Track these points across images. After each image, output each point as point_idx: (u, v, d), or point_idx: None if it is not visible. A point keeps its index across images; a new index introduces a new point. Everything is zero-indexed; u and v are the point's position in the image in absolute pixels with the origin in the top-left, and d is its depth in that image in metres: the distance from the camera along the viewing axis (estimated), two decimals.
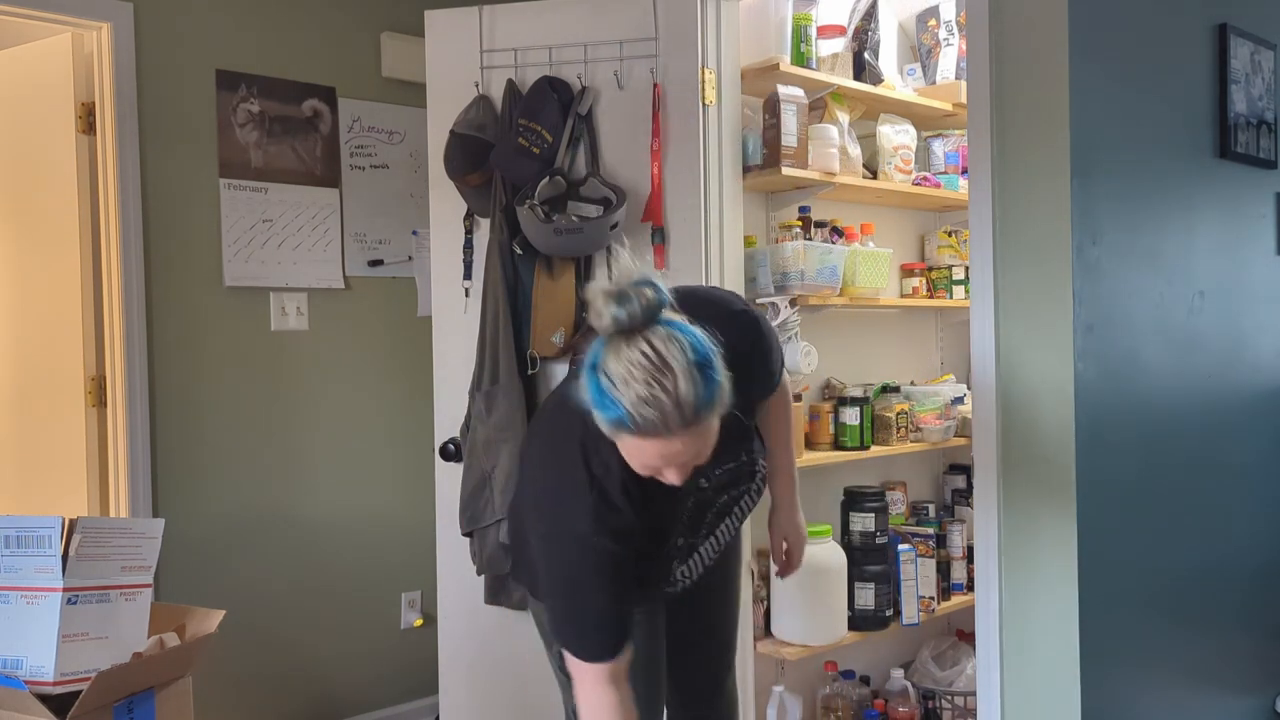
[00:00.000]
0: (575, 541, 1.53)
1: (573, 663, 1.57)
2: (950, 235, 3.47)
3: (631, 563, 1.55)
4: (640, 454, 1.39)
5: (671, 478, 1.45)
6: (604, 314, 1.32)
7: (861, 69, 3.13)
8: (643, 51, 2.54)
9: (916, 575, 3.02)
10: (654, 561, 1.67)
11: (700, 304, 1.54)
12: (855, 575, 2.93)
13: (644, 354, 1.31)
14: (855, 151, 3.05)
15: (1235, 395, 2.67)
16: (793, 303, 2.79)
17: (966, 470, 3.41)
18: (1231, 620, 2.69)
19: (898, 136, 3.19)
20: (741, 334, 1.63)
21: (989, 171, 2.20)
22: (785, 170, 2.76)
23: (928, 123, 3.42)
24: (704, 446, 1.40)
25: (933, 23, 3.40)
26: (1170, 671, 2.46)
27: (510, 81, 2.59)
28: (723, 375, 1.37)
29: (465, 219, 2.64)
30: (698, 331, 1.37)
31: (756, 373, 1.70)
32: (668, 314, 1.37)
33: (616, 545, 1.52)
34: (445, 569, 2.69)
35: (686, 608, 1.95)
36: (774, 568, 2.12)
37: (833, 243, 2.97)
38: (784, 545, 2.08)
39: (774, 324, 2.77)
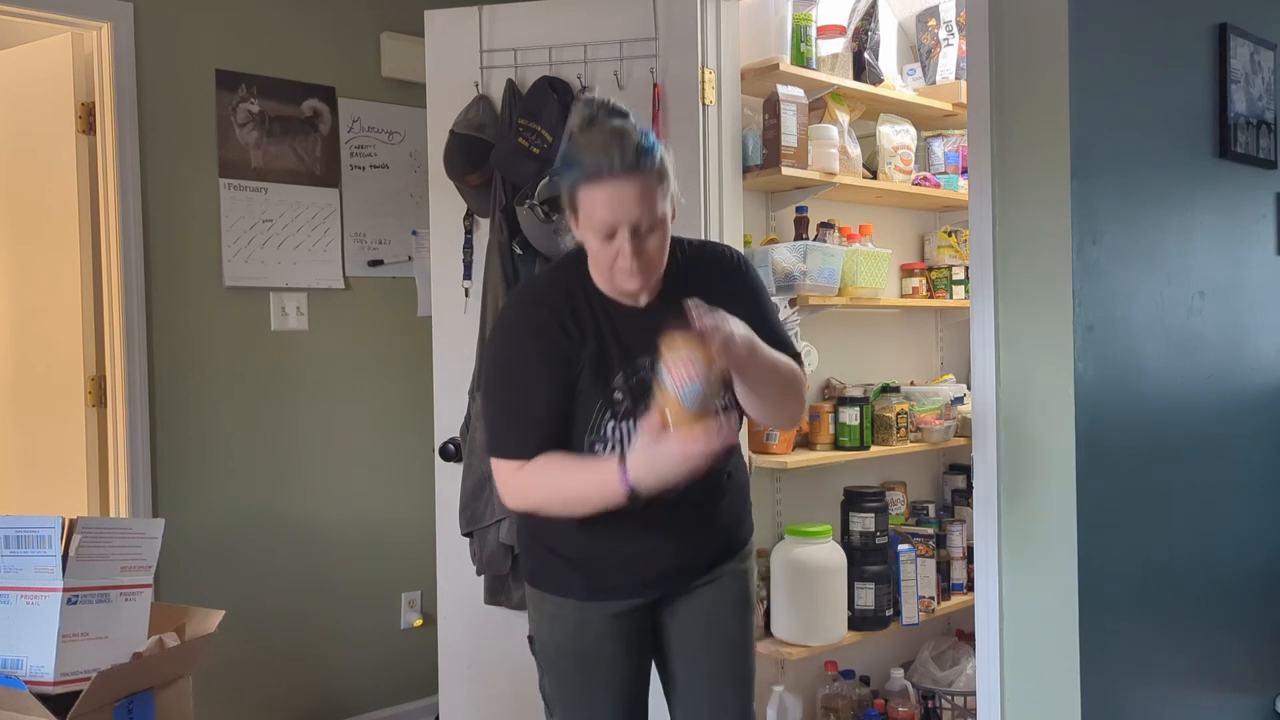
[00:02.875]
0: (517, 316, 1.72)
1: (504, 474, 1.68)
2: (950, 235, 3.47)
3: (565, 353, 1.65)
4: (595, 208, 1.57)
5: (625, 265, 1.58)
6: (577, 115, 1.63)
7: (861, 69, 3.13)
8: (643, 51, 2.54)
9: (916, 575, 3.02)
10: (590, 384, 1.67)
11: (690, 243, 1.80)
12: (855, 575, 2.93)
13: (603, 129, 1.60)
14: (855, 151, 3.05)
15: (1235, 395, 2.67)
16: (792, 303, 2.79)
17: (966, 470, 3.41)
18: (1232, 620, 2.70)
19: (898, 136, 3.19)
20: (725, 262, 1.79)
21: (989, 171, 2.20)
22: (785, 170, 2.76)
23: (928, 123, 3.42)
24: (650, 212, 1.58)
25: (933, 23, 3.40)
26: (1170, 671, 2.46)
27: (510, 81, 2.59)
28: (668, 162, 1.63)
29: (465, 219, 2.64)
30: (652, 134, 1.63)
31: (746, 306, 1.70)
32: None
33: (535, 317, 1.68)
34: (445, 569, 2.69)
35: (695, 656, 1.86)
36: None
37: (824, 240, 2.97)
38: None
39: None
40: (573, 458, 1.66)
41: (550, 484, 1.66)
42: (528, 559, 1.89)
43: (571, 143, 1.62)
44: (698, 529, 1.79)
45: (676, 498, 1.60)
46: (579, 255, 1.71)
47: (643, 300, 1.69)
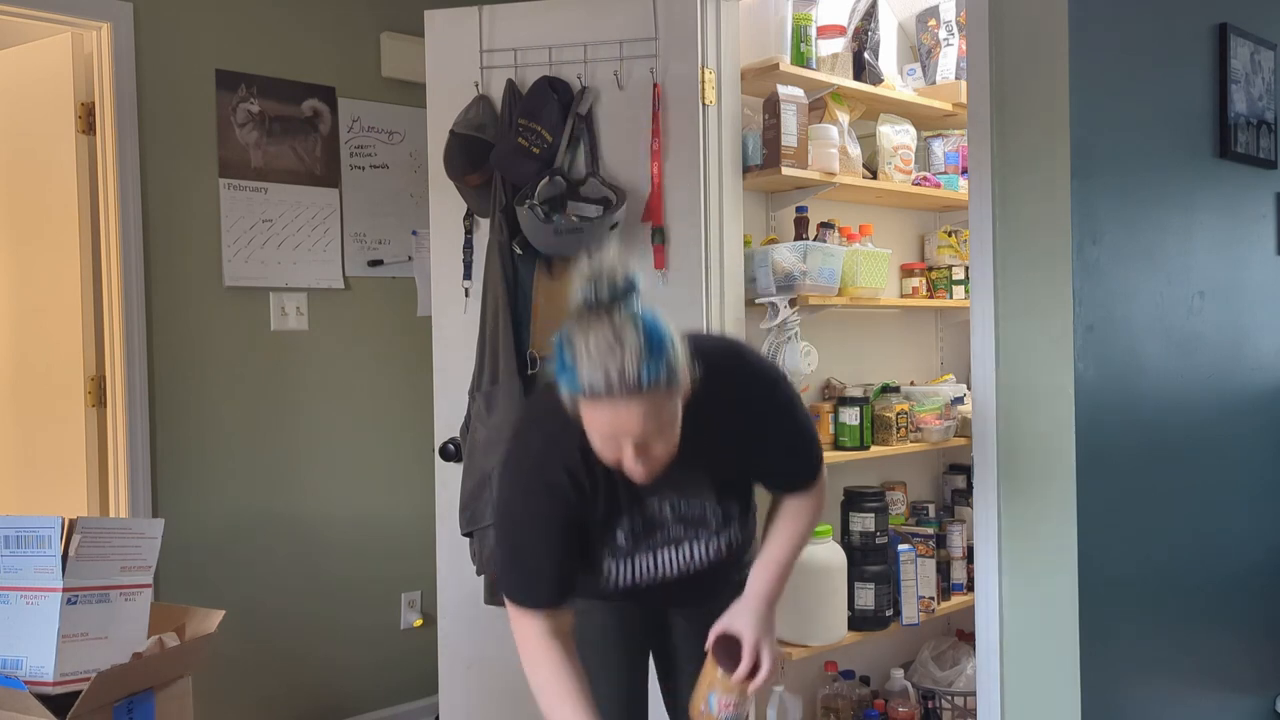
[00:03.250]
0: (531, 467, 1.63)
1: (514, 618, 1.66)
2: (950, 235, 3.47)
3: (576, 513, 1.61)
4: (595, 423, 1.46)
5: (630, 465, 1.50)
6: (577, 293, 1.45)
7: (861, 69, 3.13)
8: (643, 51, 2.54)
9: (916, 575, 3.02)
10: (594, 539, 1.68)
11: (716, 346, 1.68)
12: (855, 575, 2.93)
13: (602, 328, 1.42)
14: (855, 151, 3.05)
15: (1235, 395, 2.67)
16: (793, 303, 2.79)
17: (966, 470, 3.41)
18: (1232, 620, 2.70)
19: (898, 136, 3.19)
20: (751, 379, 1.68)
21: (989, 171, 2.20)
22: (785, 170, 2.76)
23: (928, 123, 3.42)
24: (655, 424, 1.46)
25: (933, 23, 3.40)
26: (1170, 671, 2.46)
27: (510, 81, 2.59)
28: (676, 359, 1.46)
29: (465, 219, 2.64)
30: (659, 320, 1.48)
31: (767, 431, 1.68)
32: (637, 301, 1.47)
33: (568, 479, 1.59)
34: (445, 569, 2.69)
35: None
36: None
37: (824, 240, 2.97)
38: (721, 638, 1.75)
39: (774, 324, 2.77)
40: (570, 688, 1.63)
41: (536, 682, 1.67)
42: None
43: (567, 339, 1.45)
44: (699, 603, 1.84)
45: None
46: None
47: None
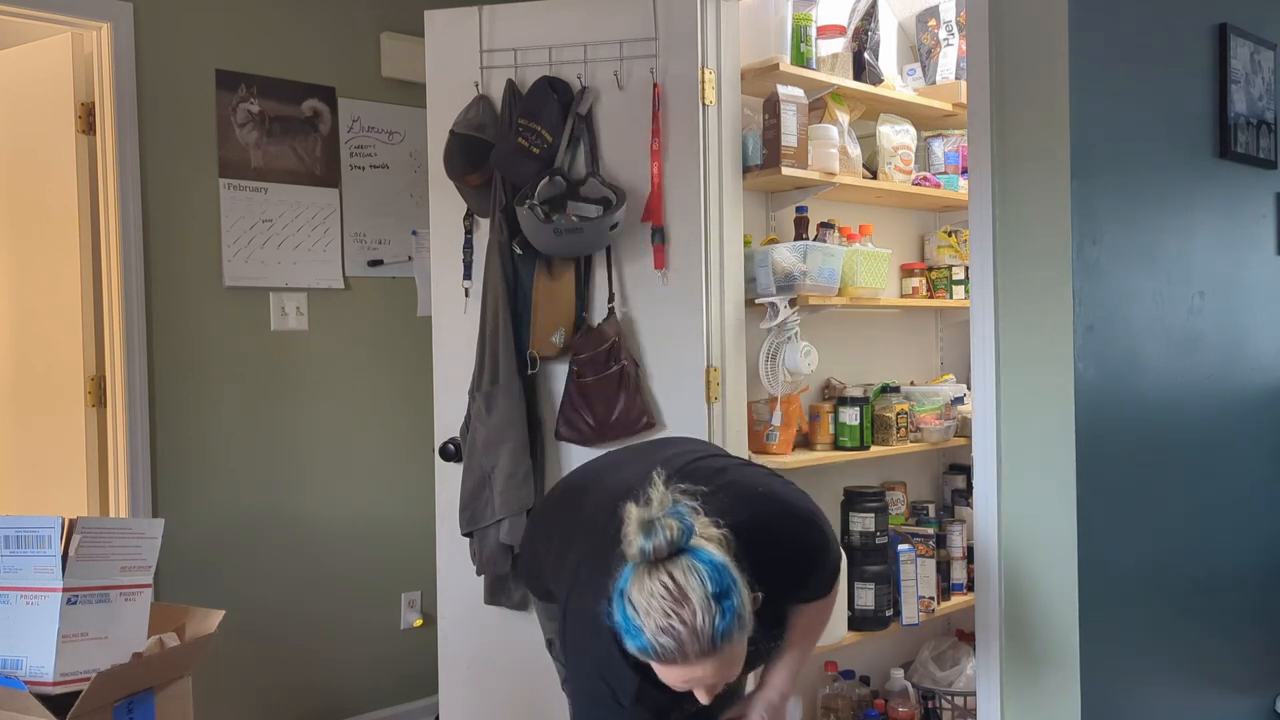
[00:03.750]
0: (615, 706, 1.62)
1: None
2: (950, 235, 3.47)
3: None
4: (666, 677, 1.47)
5: (701, 698, 1.51)
6: (633, 543, 1.43)
7: (861, 69, 3.13)
8: (643, 51, 2.54)
9: (916, 575, 3.02)
10: None
11: (762, 509, 1.70)
12: (855, 575, 2.93)
13: (664, 585, 1.40)
14: (855, 151, 3.05)
15: (1235, 395, 2.67)
16: (793, 303, 2.79)
17: (966, 470, 3.41)
18: (1231, 620, 2.70)
19: (898, 136, 3.19)
20: (798, 538, 1.74)
21: (989, 171, 2.20)
22: (785, 170, 2.76)
23: (928, 123, 3.42)
24: (729, 669, 1.47)
25: (933, 23, 3.40)
26: (1170, 671, 2.46)
27: (510, 81, 2.59)
28: (743, 604, 1.45)
29: (465, 219, 2.64)
30: (719, 559, 1.45)
31: (806, 579, 1.77)
32: (696, 542, 1.45)
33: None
34: (445, 569, 2.69)
35: None
36: None
37: (824, 240, 2.97)
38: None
39: (774, 324, 2.77)
40: None
41: None
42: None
43: (629, 599, 1.43)
44: None
45: None
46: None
47: None
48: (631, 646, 1.44)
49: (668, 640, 1.39)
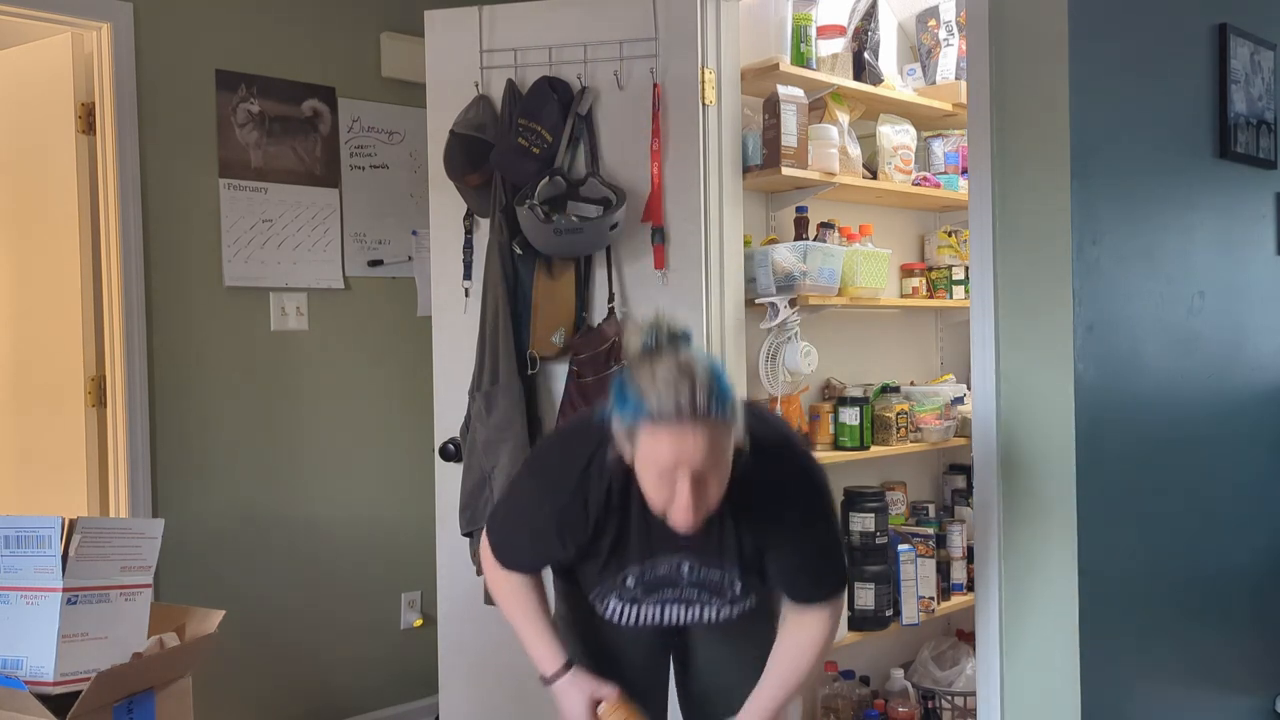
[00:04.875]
0: (549, 479, 1.69)
1: (487, 563, 1.80)
2: (950, 235, 3.47)
3: (578, 529, 1.66)
4: (656, 453, 1.46)
5: (683, 505, 1.48)
6: (634, 342, 1.51)
7: (861, 69, 3.13)
8: (643, 51, 2.54)
9: (916, 575, 3.02)
10: (599, 566, 1.71)
11: (773, 429, 1.68)
12: (855, 575, 2.93)
13: (668, 363, 1.47)
14: (855, 151, 3.05)
15: (1235, 395, 2.67)
16: (793, 303, 2.79)
17: (966, 470, 3.41)
18: (1231, 620, 2.69)
19: (898, 136, 3.19)
20: (799, 474, 1.67)
21: (989, 171, 2.20)
22: (785, 170, 2.76)
23: (928, 123, 3.42)
24: (716, 458, 1.47)
25: (933, 23, 3.40)
26: (1170, 671, 2.46)
27: (510, 81, 2.59)
28: (736, 402, 1.49)
29: (465, 219, 2.64)
30: (720, 366, 1.52)
31: (798, 535, 1.67)
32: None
33: (579, 504, 1.64)
34: (445, 569, 2.69)
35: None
36: None
37: (824, 240, 2.97)
38: None
39: (774, 324, 2.77)
40: (536, 612, 1.78)
41: (506, 606, 1.80)
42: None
43: (628, 377, 1.50)
44: (692, 676, 1.93)
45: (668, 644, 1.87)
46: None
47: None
48: (628, 415, 1.48)
49: (669, 398, 1.43)
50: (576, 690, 1.74)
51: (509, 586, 1.78)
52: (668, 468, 1.46)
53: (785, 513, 1.64)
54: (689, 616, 1.73)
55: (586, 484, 1.62)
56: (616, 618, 1.74)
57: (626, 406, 1.48)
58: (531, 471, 1.78)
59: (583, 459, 1.63)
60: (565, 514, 1.65)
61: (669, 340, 1.50)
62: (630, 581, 1.69)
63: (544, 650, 1.76)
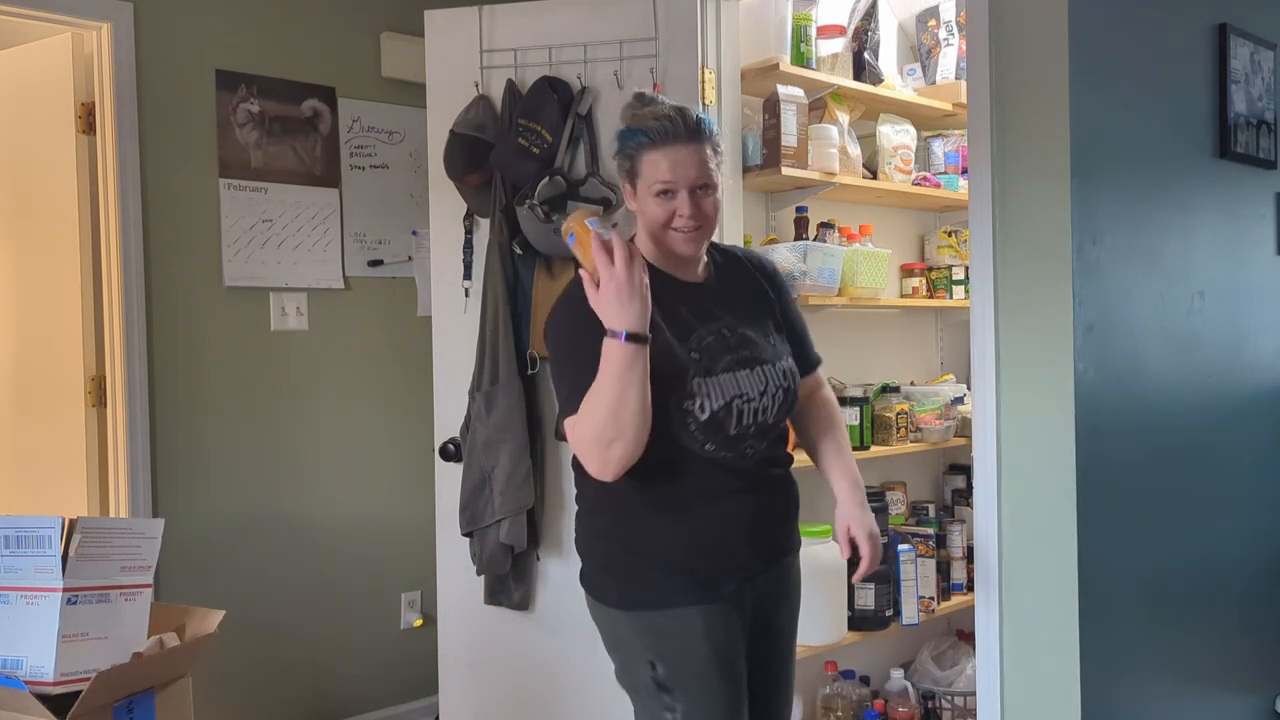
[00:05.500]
0: (564, 303, 1.75)
1: (570, 430, 1.69)
2: (950, 235, 3.47)
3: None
4: (657, 172, 1.69)
5: (684, 217, 1.69)
6: (631, 101, 1.76)
7: (861, 69, 3.13)
8: (643, 51, 2.54)
9: (916, 575, 3.02)
10: (669, 363, 1.70)
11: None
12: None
13: (662, 105, 1.73)
14: (855, 151, 3.05)
15: (1235, 395, 2.67)
16: None
17: (966, 470, 3.41)
18: (1232, 620, 2.70)
19: (898, 136, 3.19)
20: (765, 263, 1.95)
21: (989, 171, 2.20)
22: (785, 170, 2.76)
23: (928, 123, 3.42)
24: (709, 179, 1.71)
25: (933, 23, 3.40)
26: (1170, 671, 2.46)
27: (510, 81, 2.59)
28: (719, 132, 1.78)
29: (465, 219, 2.64)
30: None
31: (788, 307, 1.93)
32: None
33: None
34: (445, 569, 2.69)
35: (761, 652, 1.88)
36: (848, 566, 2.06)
37: (824, 240, 2.97)
38: (849, 538, 1.91)
39: None
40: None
41: (596, 401, 1.63)
42: (616, 582, 1.77)
43: (631, 116, 1.74)
44: (759, 517, 1.82)
45: (742, 485, 1.77)
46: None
47: (700, 273, 1.81)
48: (630, 144, 1.71)
49: (665, 122, 1.69)
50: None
51: (584, 408, 1.64)
52: (669, 183, 1.68)
53: (773, 288, 1.90)
54: (758, 382, 1.76)
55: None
56: (706, 405, 1.70)
57: (630, 137, 1.71)
58: (563, 338, 1.74)
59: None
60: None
61: (656, 98, 1.74)
62: (695, 354, 1.73)
63: (605, 351, 1.64)
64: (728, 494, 1.77)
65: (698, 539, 1.75)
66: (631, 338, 1.58)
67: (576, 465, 1.78)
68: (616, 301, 1.60)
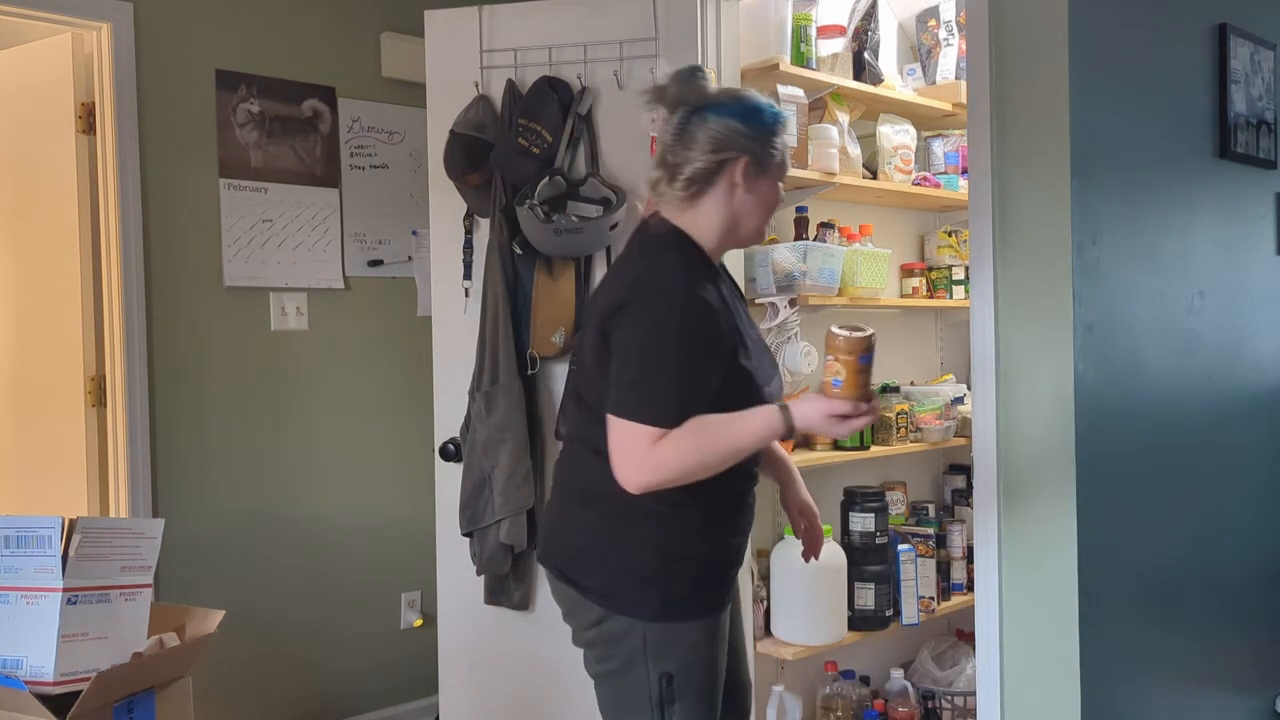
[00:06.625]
0: (668, 297, 1.63)
1: (632, 439, 1.59)
2: (950, 235, 3.47)
3: (725, 330, 1.66)
4: (774, 193, 1.76)
5: (762, 227, 1.80)
6: (738, 89, 1.87)
7: (861, 69, 3.13)
8: (643, 51, 2.54)
9: (916, 575, 3.02)
10: (747, 355, 1.72)
11: None
12: (855, 575, 2.93)
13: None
14: (855, 151, 3.05)
15: (1235, 395, 2.67)
16: (793, 303, 2.79)
17: (966, 470, 3.41)
18: (1231, 620, 2.69)
19: (898, 136, 3.19)
20: None
21: (989, 171, 2.20)
22: None
23: (928, 123, 3.42)
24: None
25: (933, 23, 3.40)
26: (1170, 671, 2.46)
27: (510, 81, 2.59)
28: None
29: (465, 219, 2.64)
30: None
31: None
32: None
33: (707, 296, 1.65)
34: (445, 569, 2.69)
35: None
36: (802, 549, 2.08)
37: (824, 240, 2.97)
38: (802, 523, 2.02)
39: (774, 324, 2.78)
40: (717, 417, 1.62)
41: (704, 438, 1.59)
42: (658, 593, 1.70)
43: (748, 96, 1.76)
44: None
45: (752, 490, 1.82)
46: (684, 242, 1.73)
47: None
48: (767, 123, 1.74)
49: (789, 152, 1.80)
50: (809, 399, 1.68)
51: (687, 435, 1.59)
52: (773, 205, 1.77)
53: None
54: (781, 387, 1.88)
55: (717, 288, 1.70)
56: (765, 380, 1.77)
57: (779, 121, 1.76)
58: (670, 336, 1.62)
59: (702, 269, 1.71)
60: (723, 326, 1.67)
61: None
62: (769, 368, 1.79)
63: (756, 416, 1.63)
64: (749, 502, 1.82)
65: (730, 548, 1.77)
66: (789, 431, 1.63)
67: (609, 473, 1.65)
68: (844, 427, 1.63)
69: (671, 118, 1.72)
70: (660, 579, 1.70)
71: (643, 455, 1.59)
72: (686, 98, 1.71)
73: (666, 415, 1.59)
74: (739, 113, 1.71)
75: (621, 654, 1.72)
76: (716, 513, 1.73)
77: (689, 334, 1.62)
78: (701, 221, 1.73)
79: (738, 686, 1.95)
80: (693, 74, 1.73)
